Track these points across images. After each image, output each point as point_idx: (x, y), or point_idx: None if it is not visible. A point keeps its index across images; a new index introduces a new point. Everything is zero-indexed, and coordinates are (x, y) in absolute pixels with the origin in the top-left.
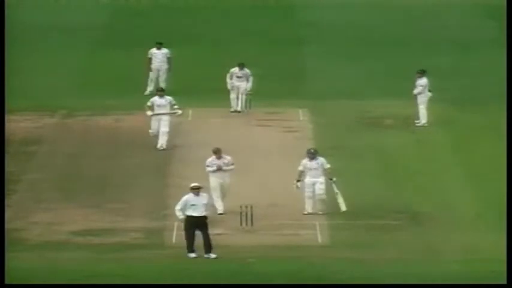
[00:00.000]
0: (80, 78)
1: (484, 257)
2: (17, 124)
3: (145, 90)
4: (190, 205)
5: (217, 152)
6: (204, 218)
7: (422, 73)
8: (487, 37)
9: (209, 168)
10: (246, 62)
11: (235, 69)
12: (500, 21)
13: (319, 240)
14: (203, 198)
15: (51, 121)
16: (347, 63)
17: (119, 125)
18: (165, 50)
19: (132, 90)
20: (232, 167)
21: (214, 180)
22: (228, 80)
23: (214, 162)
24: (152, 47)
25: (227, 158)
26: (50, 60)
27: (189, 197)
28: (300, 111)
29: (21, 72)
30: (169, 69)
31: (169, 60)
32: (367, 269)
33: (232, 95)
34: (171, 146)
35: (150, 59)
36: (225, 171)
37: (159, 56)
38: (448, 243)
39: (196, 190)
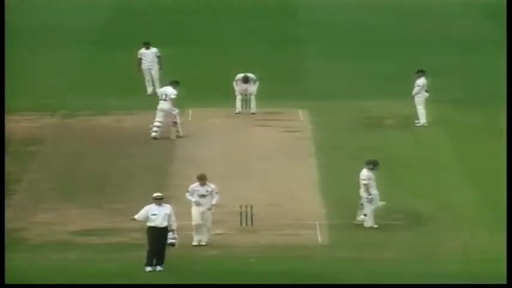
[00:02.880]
0: (80, 78)
1: (484, 257)
2: (17, 124)
3: (146, 91)
4: (152, 215)
5: (202, 179)
6: (165, 229)
7: (420, 73)
8: (487, 37)
9: (189, 196)
10: (245, 62)
11: (240, 77)
12: (500, 21)
13: (319, 240)
14: (165, 208)
15: (51, 121)
16: (347, 63)
17: (119, 125)
18: (154, 50)
19: (132, 90)
20: (216, 197)
21: (195, 210)
22: (235, 87)
23: (196, 189)
24: (142, 48)
25: (211, 186)
26: (50, 60)
27: (151, 206)
28: (300, 111)
29: (21, 72)
30: (160, 68)
31: (159, 59)
32: (367, 269)
33: (239, 96)
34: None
35: (140, 59)
36: (206, 200)
37: (149, 56)
38: (448, 243)
39: (158, 200)
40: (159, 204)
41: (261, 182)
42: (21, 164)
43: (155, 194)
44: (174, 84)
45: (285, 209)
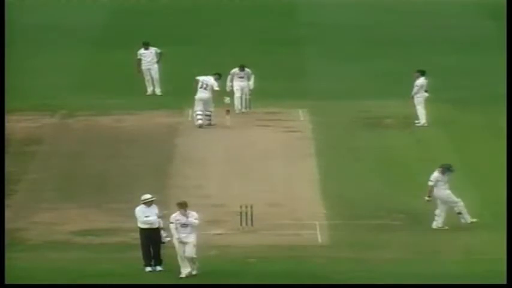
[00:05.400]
0: (80, 78)
1: (484, 257)
2: (17, 124)
3: (146, 91)
4: (144, 216)
5: (183, 206)
6: (158, 229)
7: (420, 73)
8: (487, 37)
9: (173, 229)
10: (246, 62)
11: (236, 70)
12: (500, 21)
13: (319, 240)
14: (154, 208)
15: (51, 121)
16: (347, 63)
17: (120, 125)
18: (153, 49)
19: (132, 90)
20: (196, 222)
21: (176, 243)
22: (228, 82)
23: (177, 219)
24: (141, 48)
25: (193, 214)
26: (50, 60)
27: (142, 208)
28: (300, 111)
29: (21, 72)
30: (157, 61)
31: (160, 55)
32: (367, 269)
33: (237, 94)
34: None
35: (140, 60)
36: (188, 230)
37: (148, 56)
38: (448, 243)
39: (148, 203)
40: (149, 206)
41: (261, 182)
42: (21, 164)
43: (145, 196)
44: (217, 75)
45: (285, 209)
